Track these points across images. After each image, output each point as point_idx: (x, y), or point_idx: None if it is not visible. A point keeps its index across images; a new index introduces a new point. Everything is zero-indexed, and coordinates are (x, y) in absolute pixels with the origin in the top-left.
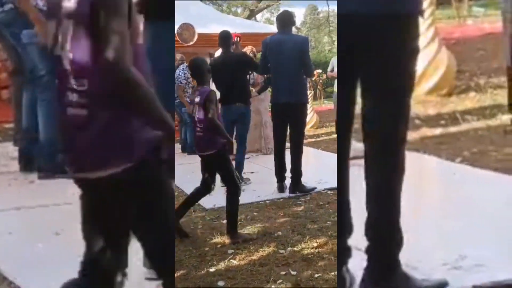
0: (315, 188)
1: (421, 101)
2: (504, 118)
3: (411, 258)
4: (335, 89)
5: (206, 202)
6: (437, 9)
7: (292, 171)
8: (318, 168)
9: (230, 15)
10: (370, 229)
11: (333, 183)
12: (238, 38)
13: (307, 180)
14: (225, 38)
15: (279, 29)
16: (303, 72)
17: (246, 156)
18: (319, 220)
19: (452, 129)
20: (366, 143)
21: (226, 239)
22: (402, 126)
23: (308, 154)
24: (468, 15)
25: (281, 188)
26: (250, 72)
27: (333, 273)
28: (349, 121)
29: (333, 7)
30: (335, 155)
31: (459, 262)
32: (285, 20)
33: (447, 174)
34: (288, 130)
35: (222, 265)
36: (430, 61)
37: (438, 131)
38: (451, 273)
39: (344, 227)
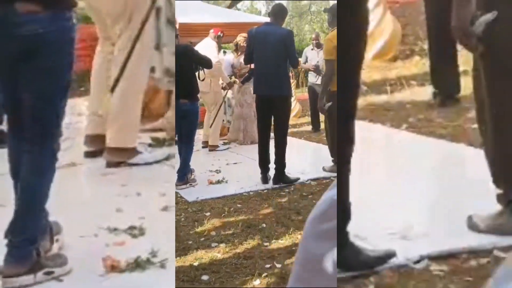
0: (299, 178)
1: (367, 66)
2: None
3: (359, 229)
4: (309, 79)
5: (189, 194)
6: None
7: (275, 162)
8: (300, 158)
9: (211, 3)
10: None
11: (316, 174)
12: (222, 34)
13: (290, 170)
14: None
15: (271, 20)
16: (289, 63)
17: (228, 145)
18: (303, 211)
19: (398, 95)
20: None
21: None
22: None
23: (291, 145)
24: None
25: (265, 179)
26: (200, 68)
27: None
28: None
29: None
30: (318, 145)
31: (406, 231)
32: (277, 12)
33: (392, 142)
34: (272, 122)
35: (206, 258)
36: (375, 26)
37: (384, 97)
38: (399, 243)
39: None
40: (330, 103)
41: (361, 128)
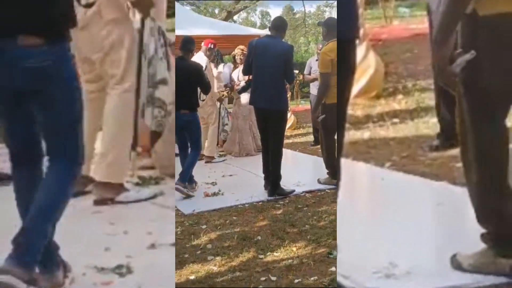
0: (294, 191)
1: (350, 104)
2: (432, 121)
3: (344, 267)
4: (311, 91)
5: (185, 207)
6: (365, 10)
7: (270, 174)
8: (295, 170)
9: (207, 16)
10: None
11: (311, 186)
12: (213, 45)
13: (284, 182)
14: (185, 43)
15: (272, 33)
16: (285, 78)
17: (224, 158)
18: (298, 224)
19: (382, 132)
20: None
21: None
22: None
23: (286, 156)
24: (394, 15)
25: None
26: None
27: (312, 278)
28: None
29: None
30: (313, 157)
31: (390, 270)
32: (278, 25)
33: (376, 180)
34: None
35: (202, 271)
36: (359, 63)
37: (366, 134)
38: (383, 281)
39: None
40: (323, 116)
41: (344, 166)
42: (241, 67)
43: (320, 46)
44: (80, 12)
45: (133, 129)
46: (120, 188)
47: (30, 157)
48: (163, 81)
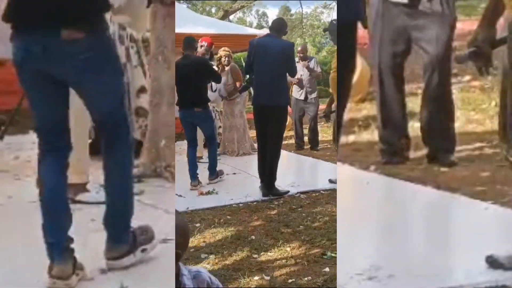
0: (289, 191)
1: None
2: (416, 125)
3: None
4: (294, 94)
5: (179, 205)
6: None
7: (266, 174)
8: (290, 171)
9: (204, 14)
10: None
11: (306, 187)
12: (205, 43)
13: (279, 183)
14: (188, 43)
15: (271, 33)
16: (288, 73)
17: (218, 158)
18: (292, 224)
19: (366, 135)
20: None
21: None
22: None
23: (281, 157)
24: None
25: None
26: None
27: (306, 278)
28: None
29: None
30: (308, 158)
31: (373, 273)
32: (278, 27)
33: (361, 183)
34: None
35: None
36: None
37: (351, 137)
38: (365, 284)
39: None
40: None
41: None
42: (227, 70)
43: (300, 48)
44: None
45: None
46: (80, 187)
47: (58, 145)
48: (143, 89)
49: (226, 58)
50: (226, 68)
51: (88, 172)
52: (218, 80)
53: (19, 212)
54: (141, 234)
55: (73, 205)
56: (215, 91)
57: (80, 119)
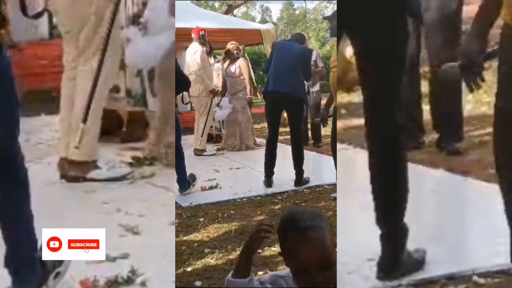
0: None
1: (347, 89)
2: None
3: (341, 253)
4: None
5: (183, 200)
6: None
7: (297, 163)
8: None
9: (208, 9)
10: None
11: (310, 182)
12: (203, 32)
13: (283, 178)
14: None
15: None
16: (303, 76)
17: (217, 152)
18: None
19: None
20: None
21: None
22: None
23: (284, 152)
24: None
25: (268, 183)
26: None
27: None
28: None
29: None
30: (312, 153)
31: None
32: (297, 38)
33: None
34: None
35: (199, 264)
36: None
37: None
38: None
39: None
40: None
41: (342, 152)
42: (237, 62)
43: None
44: None
45: (101, 109)
46: (91, 165)
47: None
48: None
49: (235, 51)
50: (237, 61)
51: (97, 150)
52: (182, 87)
53: (32, 194)
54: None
55: (84, 186)
56: (187, 103)
57: (92, 98)
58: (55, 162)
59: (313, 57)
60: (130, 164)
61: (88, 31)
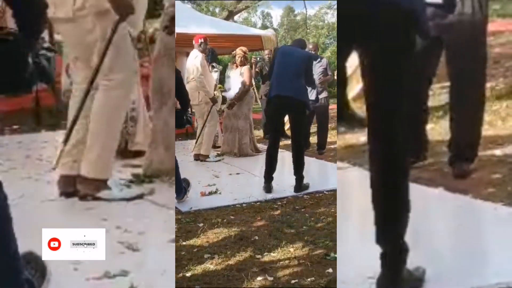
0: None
1: (347, 108)
2: (430, 126)
3: (341, 272)
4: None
5: (182, 205)
6: None
7: (297, 169)
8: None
9: (208, 15)
10: None
11: (310, 187)
12: (203, 39)
13: (283, 184)
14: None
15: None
16: (305, 81)
17: (220, 157)
18: (296, 225)
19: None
20: None
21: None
22: None
23: (283, 158)
24: None
25: (268, 189)
26: None
27: (309, 279)
28: None
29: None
30: (311, 159)
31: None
32: (298, 43)
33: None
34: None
35: (198, 269)
36: (354, 70)
37: (363, 139)
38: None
39: None
40: None
41: (340, 170)
42: (240, 69)
43: (311, 46)
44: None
45: (119, 127)
46: (102, 184)
47: None
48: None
49: (240, 58)
50: (241, 68)
51: (110, 169)
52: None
53: (31, 211)
54: (34, 274)
55: (84, 204)
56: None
57: (104, 116)
58: (55, 179)
59: (324, 65)
60: (130, 181)
61: (97, 56)
